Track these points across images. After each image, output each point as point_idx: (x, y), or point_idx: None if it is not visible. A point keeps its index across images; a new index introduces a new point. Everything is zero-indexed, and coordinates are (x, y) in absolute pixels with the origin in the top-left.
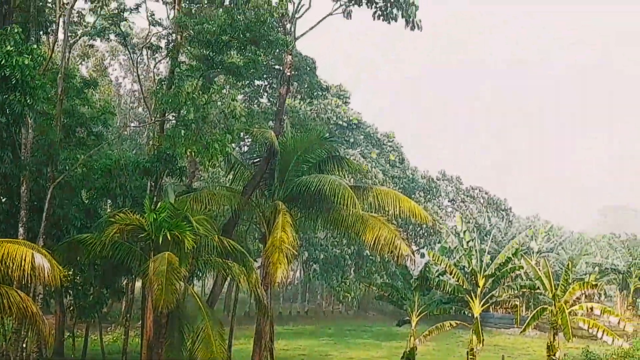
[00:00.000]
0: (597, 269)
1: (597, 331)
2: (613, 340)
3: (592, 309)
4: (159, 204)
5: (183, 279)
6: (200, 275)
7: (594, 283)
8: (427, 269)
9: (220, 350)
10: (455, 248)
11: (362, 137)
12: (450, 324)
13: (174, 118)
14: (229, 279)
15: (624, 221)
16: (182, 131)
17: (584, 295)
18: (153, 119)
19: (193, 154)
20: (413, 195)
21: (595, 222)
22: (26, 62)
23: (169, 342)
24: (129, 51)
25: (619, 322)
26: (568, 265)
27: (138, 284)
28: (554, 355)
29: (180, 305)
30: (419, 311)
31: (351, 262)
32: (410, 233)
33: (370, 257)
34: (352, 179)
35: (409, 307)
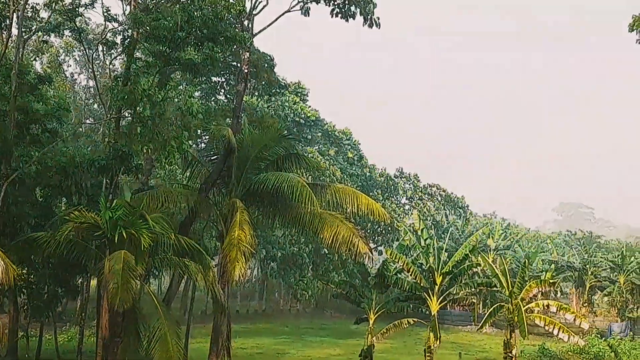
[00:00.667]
0: (553, 266)
1: (553, 328)
2: (569, 337)
3: (548, 306)
4: (115, 201)
5: (139, 278)
6: (157, 273)
7: (550, 281)
8: (384, 266)
9: (176, 349)
10: (413, 246)
11: (319, 134)
12: (408, 322)
13: (129, 115)
14: (185, 277)
15: (579, 219)
16: (139, 128)
17: (540, 293)
18: (108, 115)
19: (149, 151)
20: (371, 193)
21: (552, 219)
22: None
23: (124, 342)
24: (84, 47)
25: (574, 319)
26: (524, 262)
27: (93, 282)
28: (511, 352)
29: (136, 304)
30: (377, 309)
31: (309, 260)
32: (369, 231)
33: (328, 255)
34: (310, 177)
35: (367, 305)
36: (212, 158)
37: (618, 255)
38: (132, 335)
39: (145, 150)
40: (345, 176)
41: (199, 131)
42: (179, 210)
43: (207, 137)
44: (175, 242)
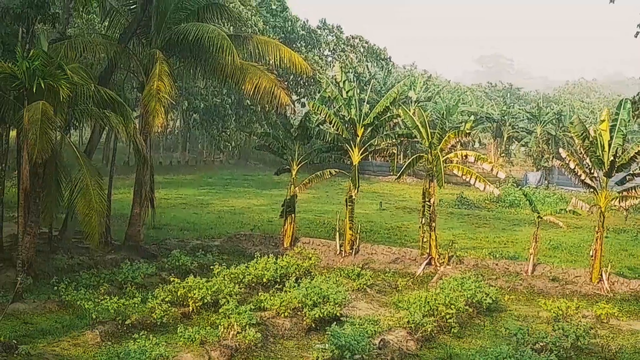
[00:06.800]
0: (472, 117)
1: (470, 178)
2: (485, 187)
3: (466, 156)
4: (32, 51)
5: (59, 129)
6: (77, 125)
7: (468, 131)
8: (307, 118)
9: (99, 199)
10: (335, 98)
11: None
12: (330, 172)
13: None
14: (107, 129)
15: (499, 70)
16: None
17: (459, 143)
18: None
19: None
20: (294, 45)
21: (472, 71)
22: None
23: (46, 192)
24: None
25: (491, 169)
26: (444, 114)
27: (13, 133)
28: (429, 200)
29: (57, 155)
30: (299, 160)
31: (232, 112)
32: (291, 83)
33: (251, 106)
34: (231, 28)
35: (289, 156)
36: (132, 7)
37: (535, 106)
38: (54, 186)
39: None
40: (268, 28)
41: None
42: (98, 61)
43: None
44: (95, 93)
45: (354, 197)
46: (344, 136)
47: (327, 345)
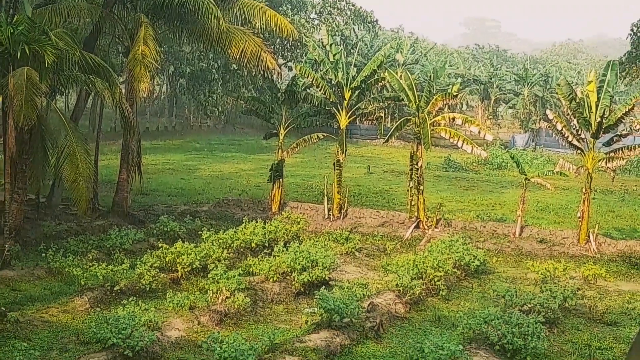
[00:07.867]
0: (459, 80)
1: (458, 141)
2: (472, 149)
3: (453, 119)
4: (15, 17)
5: (44, 95)
6: (63, 91)
7: (455, 94)
8: (294, 82)
9: (85, 165)
10: (321, 61)
11: None
12: (318, 136)
13: None
14: (92, 94)
15: (485, 33)
16: None
17: (447, 106)
18: None
19: None
20: (280, 8)
21: (459, 34)
22: None
23: (32, 159)
24: None
25: (479, 132)
26: (431, 76)
27: None
28: (417, 164)
29: (43, 121)
30: (287, 124)
31: (218, 77)
32: (277, 46)
33: (238, 71)
34: None
35: (277, 120)
36: None
37: (522, 68)
38: (40, 153)
39: None
40: None
41: None
42: (82, 26)
43: None
44: (81, 58)
45: (341, 161)
46: (331, 100)
47: (316, 309)
